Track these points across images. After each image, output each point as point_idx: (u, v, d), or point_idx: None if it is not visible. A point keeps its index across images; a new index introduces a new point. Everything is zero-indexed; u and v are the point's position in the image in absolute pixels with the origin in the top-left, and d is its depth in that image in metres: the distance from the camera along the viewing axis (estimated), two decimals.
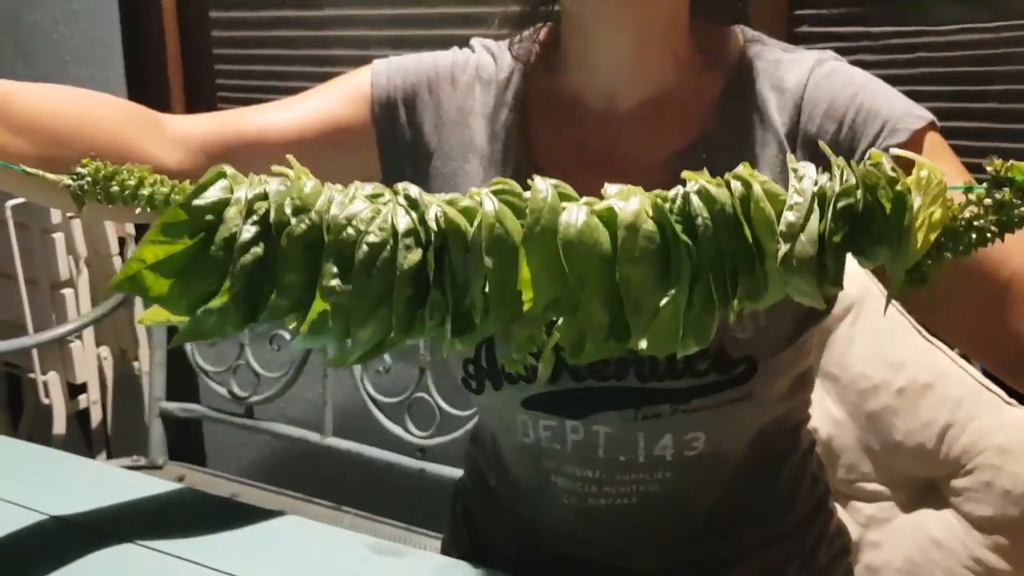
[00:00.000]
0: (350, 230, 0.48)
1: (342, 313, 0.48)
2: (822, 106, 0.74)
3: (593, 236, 0.47)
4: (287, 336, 1.65)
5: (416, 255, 0.47)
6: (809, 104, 0.74)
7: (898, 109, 0.72)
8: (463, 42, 0.88)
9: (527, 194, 0.48)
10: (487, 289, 0.48)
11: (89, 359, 2.06)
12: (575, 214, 0.47)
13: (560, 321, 0.49)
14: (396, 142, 0.83)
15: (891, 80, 0.77)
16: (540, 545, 0.86)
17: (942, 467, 1.10)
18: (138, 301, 2.02)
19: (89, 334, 2.04)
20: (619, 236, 0.47)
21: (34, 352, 1.99)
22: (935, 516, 1.12)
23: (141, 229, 1.92)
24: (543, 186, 0.48)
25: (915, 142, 0.71)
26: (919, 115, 0.72)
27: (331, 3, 1.99)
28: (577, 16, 0.78)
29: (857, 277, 0.79)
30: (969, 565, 1.07)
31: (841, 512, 0.94)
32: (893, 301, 1.09)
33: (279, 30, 2.03)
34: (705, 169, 0.50)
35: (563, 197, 0.49)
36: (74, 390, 2.07)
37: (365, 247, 0.47)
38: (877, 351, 1.14)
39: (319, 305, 0.48)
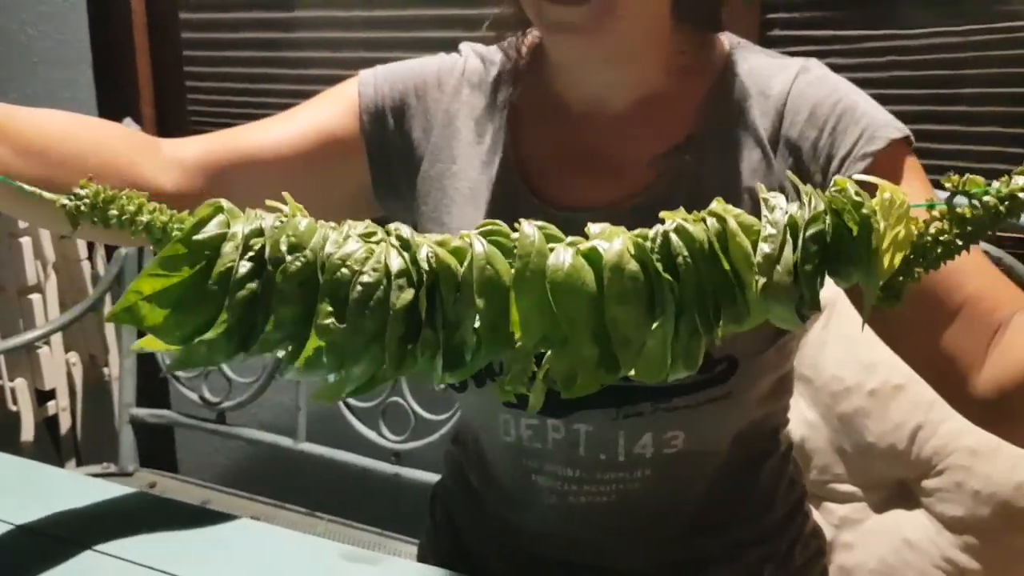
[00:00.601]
0: (344, 270, 0.49)
1: (337, 350, 0.49)
2: (804, 112, 0.75)
3: (580, 277, 0.49)
4: None
5: (408, 295, 0.49)
6: (792, 110, 0.75)
7: (878, 119, 0.73)
8: (438, 44, 0.88)
9: (515, 235, 0.50)
10: (478, 326, 0.49)
11: (58, 365, 2.03)
12: (562, 256, 0.49)
13: (550, 354, 0.51)
14: (386, 151, 0.83)
15: (863, 84, 0.78)
16: (523, 545, 0.86)
17: (913, 468, 1.11)
18: (107, 306, 2.00)
19: (57, 340, 2.01)
20: (604, 277, 0.49)
21: (1, 358, 1.96)
22: (907, 517, 1.12)
23: None
24: (530, 230, 0.50)
25: (891, 151, 0.72)
26: (897, 127, 0.73)
27: (303, 5, 1.98)
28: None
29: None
30: (941, 565, 1.08)
31: (814, 513, 0.94)
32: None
33: (250, 32, 2.01)
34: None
35: (549, 239, 0.50)
36: (42, 397, 2.04)
37: (359, 287, 0.49)
38: (849, 354, 1.14)
39: (314, 342, 0.49)
